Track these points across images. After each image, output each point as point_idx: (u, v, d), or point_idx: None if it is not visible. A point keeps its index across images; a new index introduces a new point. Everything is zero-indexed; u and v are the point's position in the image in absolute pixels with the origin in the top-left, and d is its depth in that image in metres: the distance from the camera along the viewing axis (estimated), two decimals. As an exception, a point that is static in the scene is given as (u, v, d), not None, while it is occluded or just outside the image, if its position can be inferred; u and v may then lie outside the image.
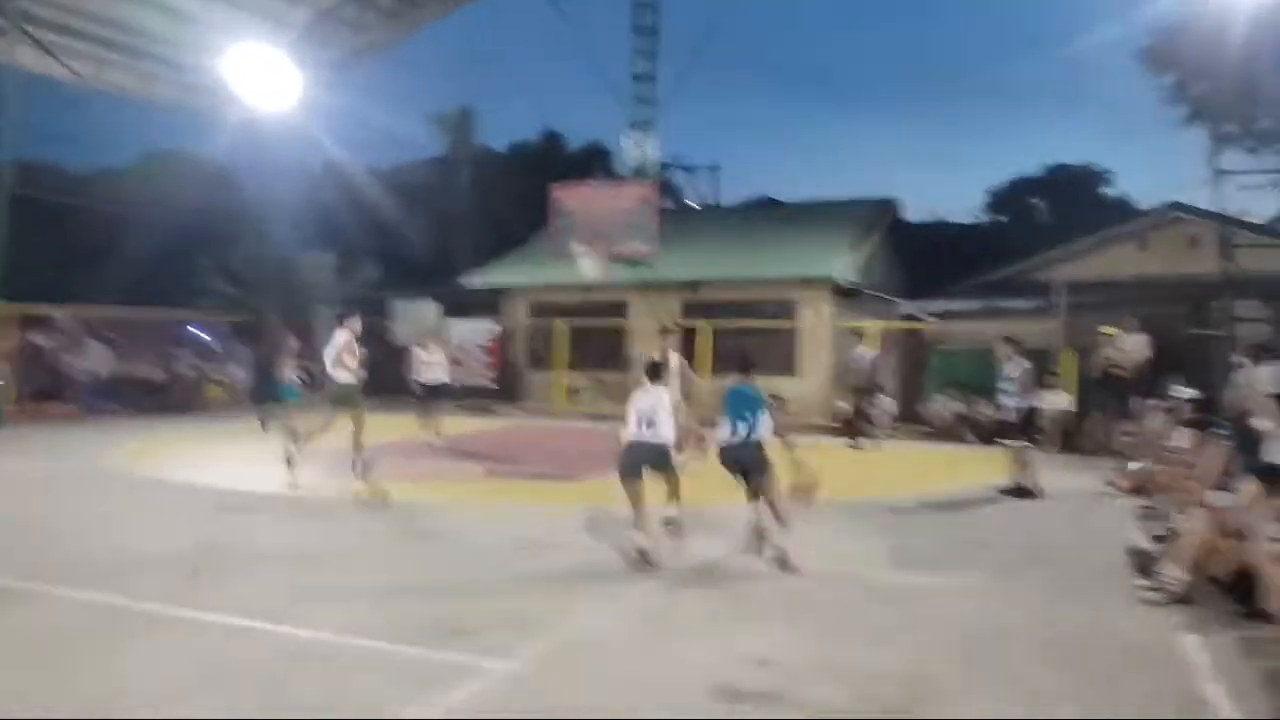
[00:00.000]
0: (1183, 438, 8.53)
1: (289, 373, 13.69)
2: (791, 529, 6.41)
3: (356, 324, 9.59)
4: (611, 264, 17.54)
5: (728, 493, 6.69)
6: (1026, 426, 9.78)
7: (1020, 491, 9.65)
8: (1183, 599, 5.58)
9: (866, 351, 14.53)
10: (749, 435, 6.47)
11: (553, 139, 31.51)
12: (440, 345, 13.96)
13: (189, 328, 21.76)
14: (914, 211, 26.91)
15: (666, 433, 6.73)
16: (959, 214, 41.33)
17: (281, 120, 19.92)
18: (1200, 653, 4.81)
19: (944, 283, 22.05)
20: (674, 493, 6.94)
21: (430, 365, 13.24)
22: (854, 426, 14.23)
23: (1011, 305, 16.44)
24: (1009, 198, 42.41)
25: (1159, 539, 7.37)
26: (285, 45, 19.02)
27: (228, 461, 11.20)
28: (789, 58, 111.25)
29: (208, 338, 21.53)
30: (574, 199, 17.58)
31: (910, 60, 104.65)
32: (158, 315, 20.05)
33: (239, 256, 20.62)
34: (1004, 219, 41.66)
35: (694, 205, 33.26)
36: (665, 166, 37.64)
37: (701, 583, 6.06)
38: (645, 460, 6.66)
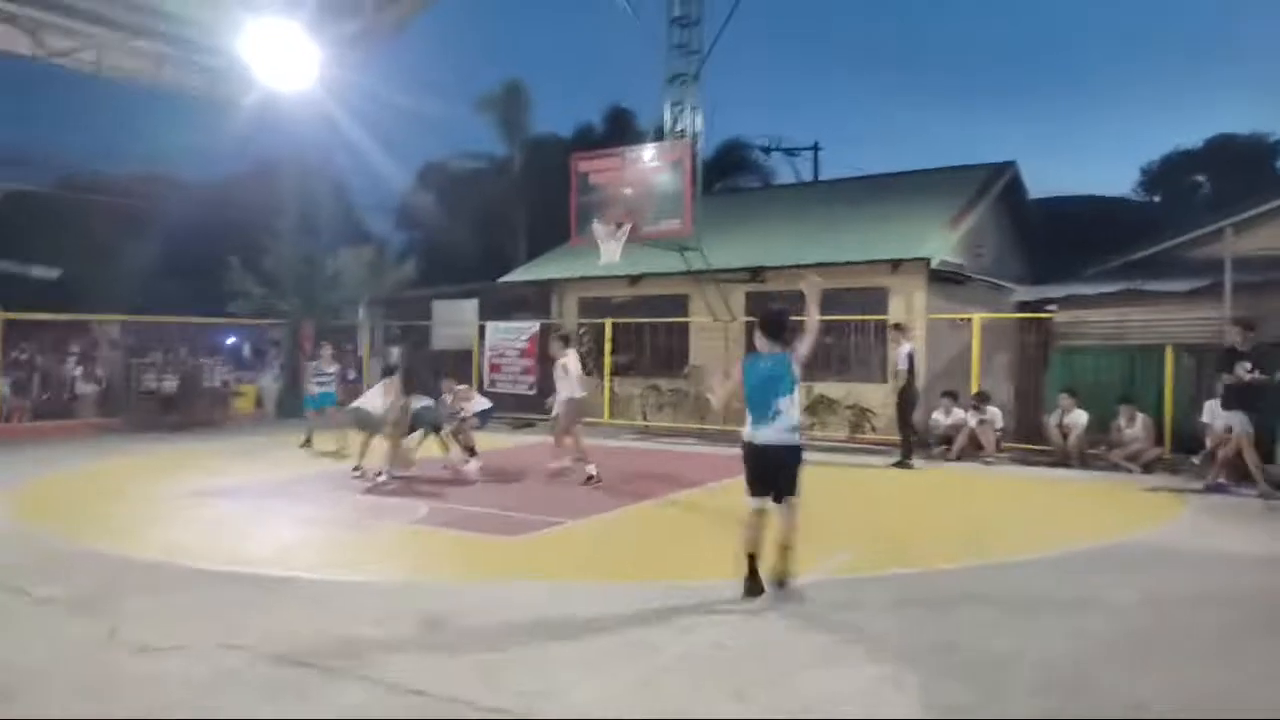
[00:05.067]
0: None
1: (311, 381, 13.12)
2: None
3: None
4: (645, 247, 14.69)
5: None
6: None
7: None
8: None
9: (906, 347, 11.90)
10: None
11: (621, 116, 28.53)
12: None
13: (220, 334, 20.37)
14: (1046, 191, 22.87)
15: None
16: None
17: (303, 104, 18.13)
18: None
19: (1077, 269, 18.05)
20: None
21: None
22: (902, 443, 11.87)
23: (1161, 288, 12.70)
24: (1163, 176, 37.22)
25: None
26: (302, 19, 17.20)
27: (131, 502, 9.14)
28: (903, 38, 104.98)
29: (237, 343, 20.11)
30: (599, 170, 14.85)
31: (1037, 36, 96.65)
32: (180, 321, 18.51)
33: (270, 255, 18.93)
34: (1157, 199, 36.49)
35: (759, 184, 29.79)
36: (766, 150, 34.51)
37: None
38: None
